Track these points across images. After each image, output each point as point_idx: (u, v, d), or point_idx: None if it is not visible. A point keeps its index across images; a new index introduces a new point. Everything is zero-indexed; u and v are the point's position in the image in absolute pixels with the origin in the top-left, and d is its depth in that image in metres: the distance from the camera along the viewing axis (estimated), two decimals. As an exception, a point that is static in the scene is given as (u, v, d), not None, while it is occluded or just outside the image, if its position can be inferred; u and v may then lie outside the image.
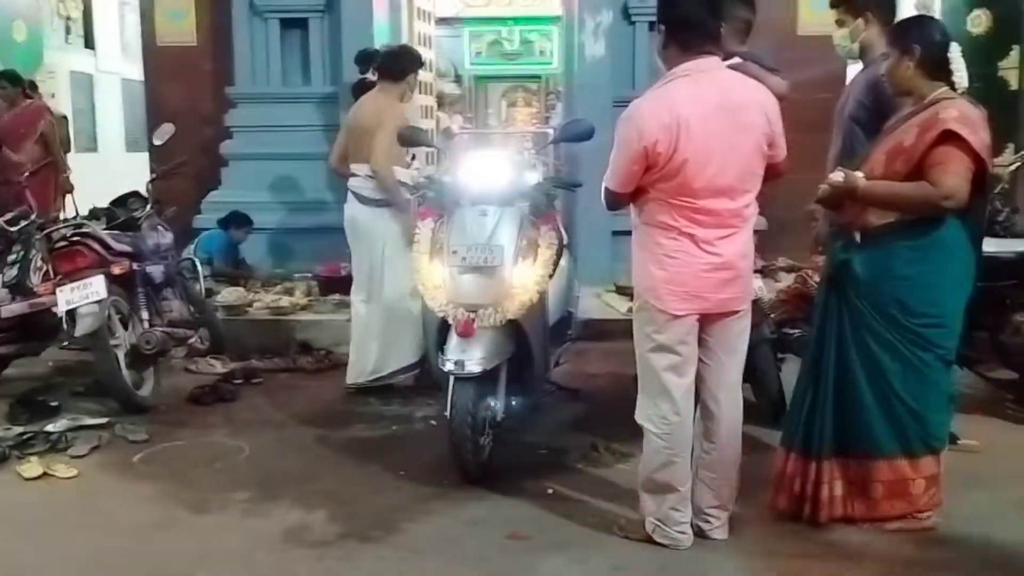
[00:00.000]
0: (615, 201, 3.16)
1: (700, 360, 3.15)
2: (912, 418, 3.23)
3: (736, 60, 3.64)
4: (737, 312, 3.14)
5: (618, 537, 3.26)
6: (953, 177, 3.05)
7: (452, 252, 3.72)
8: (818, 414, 3.29)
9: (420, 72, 5.37)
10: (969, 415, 4.13)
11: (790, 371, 4.25)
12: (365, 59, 6.90)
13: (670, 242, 3.03)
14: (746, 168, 3.03)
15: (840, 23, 3.91)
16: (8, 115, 7.07)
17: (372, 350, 4.98)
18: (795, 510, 3.33)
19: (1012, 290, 4.44)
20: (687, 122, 2.92)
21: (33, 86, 7.39)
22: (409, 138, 4.58)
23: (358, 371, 5.02)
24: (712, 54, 3.05)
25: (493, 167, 3.97)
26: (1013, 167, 5.52)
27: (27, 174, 6.68)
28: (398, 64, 5.16)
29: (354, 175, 5.02)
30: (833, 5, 3.98)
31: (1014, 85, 7.61)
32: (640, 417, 3.16)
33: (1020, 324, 4.50)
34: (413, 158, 5.12)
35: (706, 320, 3.11)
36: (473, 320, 3.61)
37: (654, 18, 7.24)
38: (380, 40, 7.66)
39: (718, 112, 2.96)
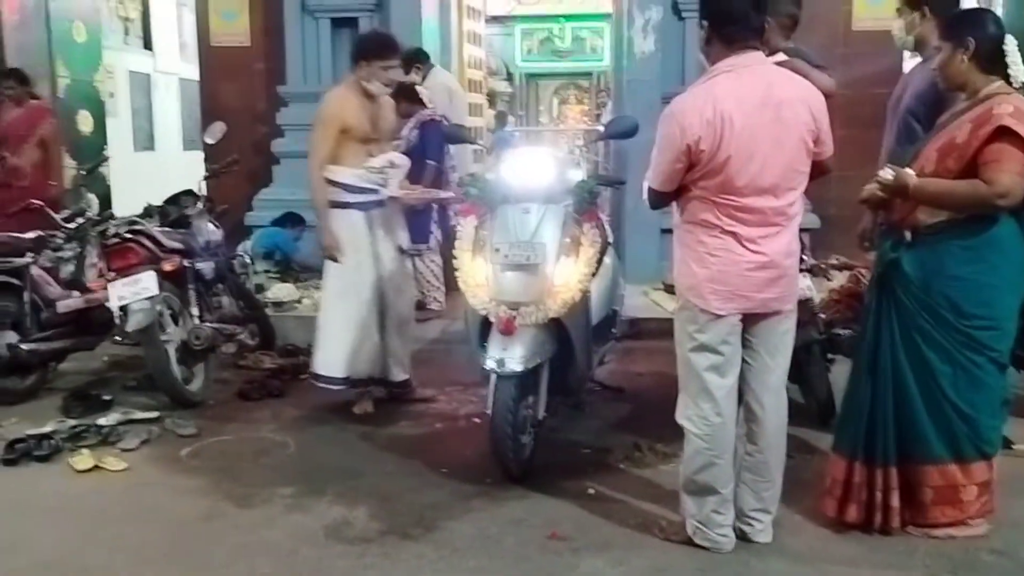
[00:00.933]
0: (658, 199, 3.12)
1: (744, 361, 3.10)
2: (963, 422, 3.15)
3: (782, 56, 3.57)
4: (781, 312, 3.09)
5: (659, 539, 3.23)
6: (1008, 175, 2.96)
7: (495, 250, 3.72)
8: (880, 420, 3.21)
9: (385, 61, 4.47)
10: (1021, 419, 4.01)
11: (840, 372, 4.17)
12: (405, 60, 6.91)
13: (713, 240, 2.98)
14: (790, 165, 2.98)
15: (900, 13, 3.85)
16: (11, 116, 7.00)
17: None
18: (866, 520, 3.24)
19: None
20: (730, 118, 2.88)
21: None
22: (452, 136, 4.58)
23: None
24: (756, 49, 3.00)
25: (536, 165, 3.95)
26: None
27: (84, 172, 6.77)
28: (353, 50, 4.65)
29: None
30: None
31: (1078, 79, 7.38)
32: (681, 417, 3.12)
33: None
34: (369, 155, 4.50)
35: (750, 320, 3.07)
36: (515, 318, 3.60)
37: (702, 13, 7.23)
38: (429, 39, 7.70)
39: (762, 108, 2.91)
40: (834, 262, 6.54)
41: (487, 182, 3.96)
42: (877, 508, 3.22)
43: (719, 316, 3.01)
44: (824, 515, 3.32)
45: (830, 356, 4.47)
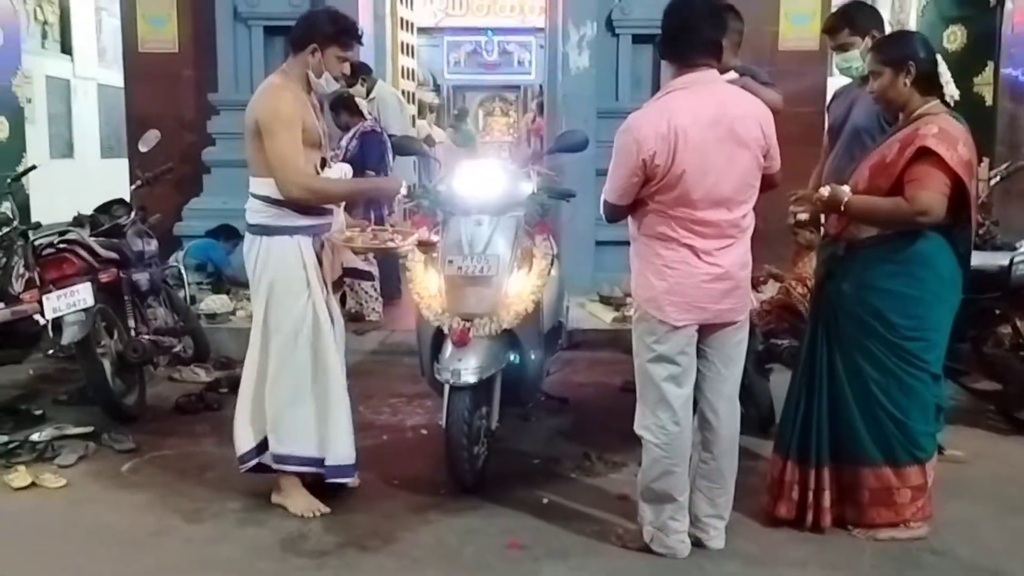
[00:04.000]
0: (614, 213, 3.19)
1: (698, 371, 3.18)
2: (896, 428, 3.29)
3: (733, 75, 3.67)
4: (735, 323, 3.18)
5: (616, 546, 3.29)
6: (928, 193, 3.11)
7: (448, 261, 3.73)
8: (814, 422, 3.35)
9: (344, 49, 3.57)
10: (953, 426, 4.19)
11: (778, 381, 4.31)
12: (352, 72, 6.88)
13: (670, 253, 3.06)
14: (743, 179, 3.07)
15: (844, 47, 3.91)
16: None
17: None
18: (796, 517, 3.38)
19: (994, 302, 4.52)
20: (685, 133, 2.96)
21: None
22: (403, 147, 4.57)
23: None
24: (710, 68, 3.09)
25: (488, 177, 3.99)
26: (993, 181, 5.62)
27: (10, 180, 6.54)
28: (298, 30, 3.58)
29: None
30: (832, 31, 3.96)
31: (989, 101, 7.75)
32: (639, 427, 3.18)
33: (1002, 336, 4.60)
34: (324, 166, 3.61)
35: (705, 330, 3.15)
36: (469, 329, 3.63)
37: (638, 31, 7.37)
38: (364, 50, 7.67)
39: (715, 124, 3.00)
40: (765, 274, 6.75)
41: (439, 194, 3.98)
42: (809, 507, 3.36)
43: (677, 327, 3.08)
44: (769, 517, 3.43)
45: (768, 366, 4.60)
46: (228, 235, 7.08)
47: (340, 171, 3.68)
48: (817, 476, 3.35)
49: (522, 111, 16.39)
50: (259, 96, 3.51)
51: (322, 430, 3.54)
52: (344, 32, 3.57)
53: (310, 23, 3.57)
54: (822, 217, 3.56)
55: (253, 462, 3.65)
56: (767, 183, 3.20)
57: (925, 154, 3.11)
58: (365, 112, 6.65)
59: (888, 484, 3.32)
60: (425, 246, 3.76)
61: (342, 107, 6.50)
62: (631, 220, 3.19)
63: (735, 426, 3.28)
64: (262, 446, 3.63)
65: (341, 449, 3.56)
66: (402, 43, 8.82)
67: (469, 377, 3.58)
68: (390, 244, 3.67)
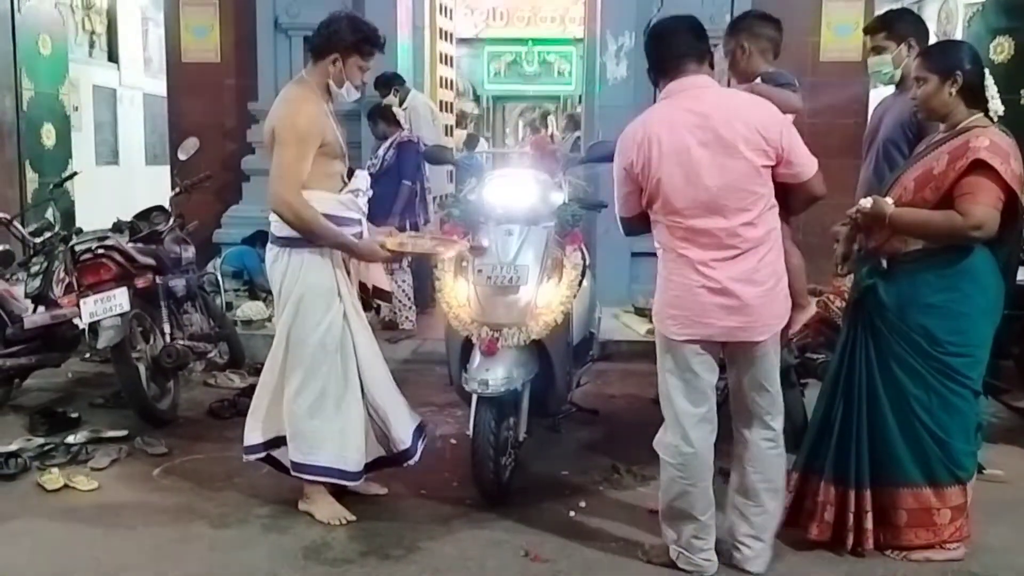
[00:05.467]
0: (625, 225, 3.20)
1: (729, 387, 3.13)
2: (937, 446, 3.20)
3: (758, 81, 3.63)
4: (756, 344, 3.01)
5: (641, 562, 3.24)
6: (983, 208, 3.02)
7: (477, 271, 3.72)
8: (853, 442, 3.25)
9: (365, 58, 3.50)
10: (994, 444, 4.09)
11: (813, 396, 4.22)
12: (385, 82, 6.94)
13: (670, 264, 3.03)
14: (736, 185, 2.92)
15: (879, 50, 3.85)
16: None
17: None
18: (834, 539, 3.28)
19: (1039, 319, 4.39)
20: (658, 140, 2.93)
21: None
22: (434, 157, 4.56)
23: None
24: (695, 74, 3.03)
25: (519, 186, 3.98)
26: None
27: (52, 186, 6.65)
28: (319, 38, 3.49)
29: None
30: (870, 32, 3.94)
31: (1036, 113, 7.56)
32: (656, 444, 3.14)
33: (1046, 353, 4.48)
34: (351, 176, 3.60)
35: (725, 349, 3.09)
36: (497, 339, 3.61)
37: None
38: (402, 61, 7.72)
39: (696, 130, 2.92)
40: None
41: (469, 203, 3.97)
42: (849, 529, 3.26)
43: (679, 341, 3.01)
44: (799, 537, 3.34)
45: (803, 380, 4.51)
46: (264, 242, 7.13)
47: (362, 179, 3.65)
48: (858, 498, 3.25)
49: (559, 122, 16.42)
50: (279, 107, 3.47)
51: (340, 440, 3.54)
52: (366, 40, 3.48)
53: (331, 31, 3.45)
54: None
55: (257, 456, 3.70)
56: (804, 193, 3.08)
57: (979, 167, 3.02)
58: (402, 122, 6.68)
59: (928, 505, 3.23)
60: (475, 250, 3.73)
61: (380, 117, 6.54)
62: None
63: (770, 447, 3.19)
64: (270, 443, 3.68)
65: (352, 456, 3.57)
66: (441, 53, 8.83)
67: (497, 387, 3.55)
68: (440, 249, 3.67)
